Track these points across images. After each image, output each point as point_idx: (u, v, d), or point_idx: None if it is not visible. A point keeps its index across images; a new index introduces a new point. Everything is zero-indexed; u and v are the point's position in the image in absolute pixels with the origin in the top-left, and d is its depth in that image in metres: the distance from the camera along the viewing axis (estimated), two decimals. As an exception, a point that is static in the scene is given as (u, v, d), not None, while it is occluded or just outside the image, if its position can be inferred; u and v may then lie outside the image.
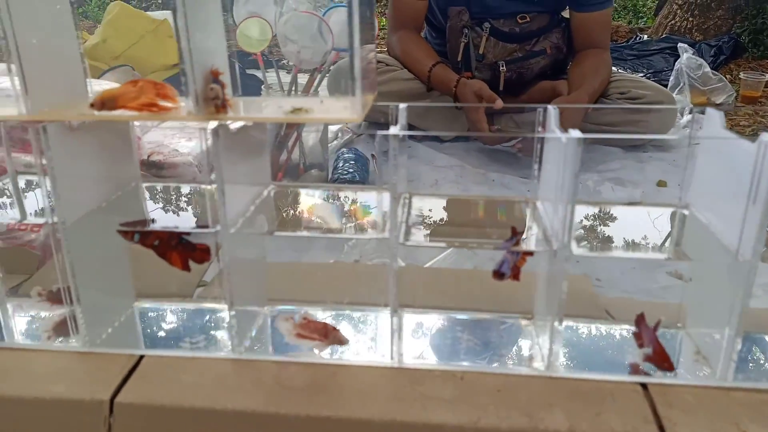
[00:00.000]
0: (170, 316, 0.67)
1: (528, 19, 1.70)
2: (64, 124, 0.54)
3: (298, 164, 1.41)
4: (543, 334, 0.57)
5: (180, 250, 0.59)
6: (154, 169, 1.21)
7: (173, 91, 0.56)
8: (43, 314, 0.66)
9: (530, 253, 0.55)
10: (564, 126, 1.55)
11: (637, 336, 0.58)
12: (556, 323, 0.52)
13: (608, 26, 1.79)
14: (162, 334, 0.63)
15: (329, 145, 1.53)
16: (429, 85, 1.72)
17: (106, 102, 0.55)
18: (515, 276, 0.53)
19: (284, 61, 1.88)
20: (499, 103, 1.52)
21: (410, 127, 1.86)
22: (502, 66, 1.72)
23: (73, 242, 0.55)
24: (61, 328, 0.64)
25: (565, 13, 1.78)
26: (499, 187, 1.47)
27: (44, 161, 0.53)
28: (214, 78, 0.53)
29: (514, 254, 0.53)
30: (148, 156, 1.20)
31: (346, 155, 1.50)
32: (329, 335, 0.56)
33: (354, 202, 0.66)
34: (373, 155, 1.58)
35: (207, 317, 0.66)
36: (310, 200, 0.66)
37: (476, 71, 1.74)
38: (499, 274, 0.52)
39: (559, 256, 0.50)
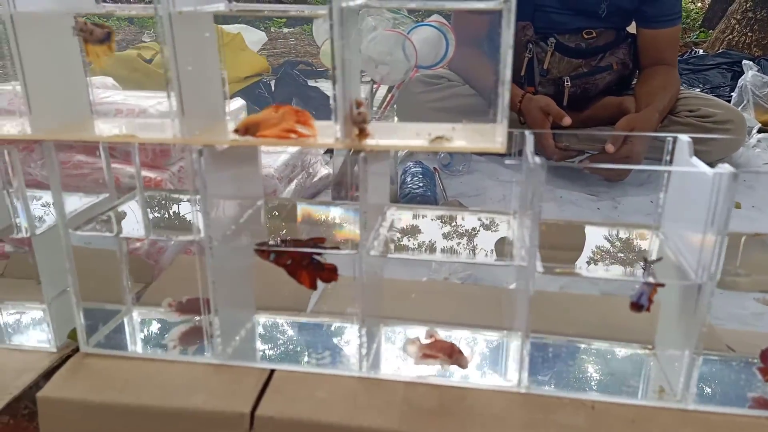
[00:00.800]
0: (289, 329, 0.69)
1: (594, 34, 1.70)
2: (213, 147, 0.57)
3: (370, 177, 1.43)
4: (670, 365, 0.58)
5: (310, 269, 0.61)
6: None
7: (311, 118, 0.58)
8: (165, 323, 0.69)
9: (661, 285, 0.55)
10: (635, 143, 1.53)
11: (763, 371, 0.58)
12: (692, 356, 0.53)
13: (676, 43, 1.77)
14: (287, 348, 0.65)
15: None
16: (491, 101, 1.72)
17: (249, 128, 0.57)
18: (648, 307, 0.54)
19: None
20: (567, 120, 1.52)
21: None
22: (567, 81, 1.72)
23: (216, 258, 0.58)
24: (187, 339, 0.67)
25: (631, 28, 1.77)
26: (567, 204, 1.47)
27: (197, 182, 0.55)
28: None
29: (649, 285, 0.54)
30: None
31: (413, 169, 1.51)
32: (453, 356, 0.57)
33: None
34: (435, 168, 1.59)
35: (326, 331, 0.68)
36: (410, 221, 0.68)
37: (539, 86, 1.74)
38: (637, 306, 0.53)
39: (705, 290, 0.50)
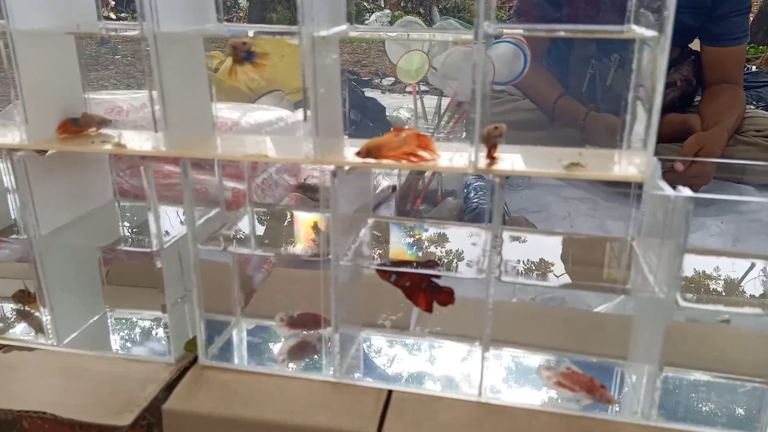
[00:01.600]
0: (399, 348, 0.69)
1: (659, 51, 1.67)
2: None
3: (436, 192, 1.43)
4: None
5: (428, 292, 0.61)
6: (310, 191, 1.25)
7: (432, 142, 0.58)
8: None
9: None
10: (705, 163, 1.50)
11: None
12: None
13: (742, 62, 1.74)
14: (401, 368, 0.65)
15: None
16: (553, 116, 1.72)
17: (371, 150, 0.57)
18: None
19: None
20: (636, 138, 1.50)
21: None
22: (631, 98, 1.70)
23: (340, 275, 0.58)
24: (295, 353, 0.68)
25: (694, 45, 1.75)
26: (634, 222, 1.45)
27: (330, 201, 0.56)
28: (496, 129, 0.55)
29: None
30: (305, 179, 1.25)
31: (476, 184, 1.50)
32: (595, 392, 0.57)
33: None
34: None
35: (437, 351, 0.68)
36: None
37: (601, 103, 1.72)
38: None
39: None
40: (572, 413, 0.57)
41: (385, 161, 0.56)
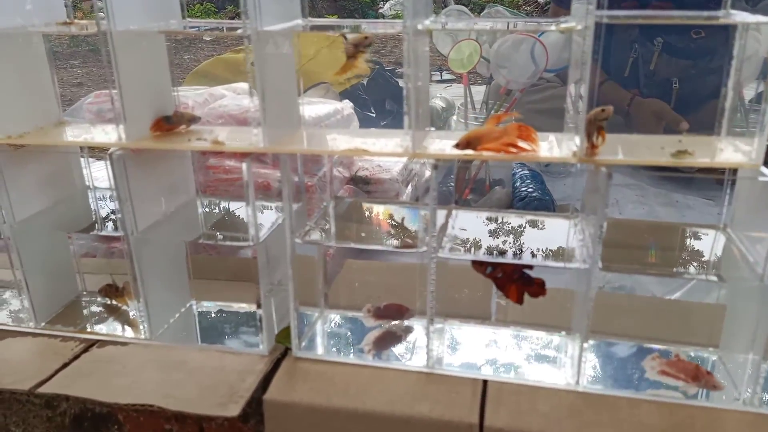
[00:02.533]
0: (489, 339, 0.69)
1: (702, 34, 1.65)
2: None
3: (485, 181, 1.43)
4: None
5: (519, 283, 0.62)
6: (361, 183, 1.25)
7: (535, 135, 0.58)
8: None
9: None
10: None
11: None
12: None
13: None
14: (493, 357, 0.66)
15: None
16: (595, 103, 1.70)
17: (471, 141, 0.57)
18: None
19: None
20: (685, 125, 1.49)
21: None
22: (675, 83, 1.68)
23: (434, 268, 0.59)
24: (380, 343, 0.68)
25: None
26: (685, 209, 1.44)
27: (427, 196, 0.57)
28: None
29: None
30: (356, 171, 1.25)
31: (521, 173, 1.50)
32: (701, 378, 0.57)
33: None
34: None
35: (527, 341, 0.68)
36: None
37: (644, 88, 1.70)
38: None
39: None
40: (674, 401, 0.58)
41: (485, 153, 0.56)
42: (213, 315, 0.74)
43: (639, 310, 0.77)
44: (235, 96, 1.13)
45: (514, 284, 0.62)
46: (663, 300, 0.84)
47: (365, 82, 2.13)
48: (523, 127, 0.57)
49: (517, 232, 0.69)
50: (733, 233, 0.63)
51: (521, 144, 0.57)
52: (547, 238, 0.69)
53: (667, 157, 0.54)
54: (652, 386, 0.60)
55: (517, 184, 1.46)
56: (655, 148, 0.56)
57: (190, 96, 1.01)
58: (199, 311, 0.74)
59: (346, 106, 1.26)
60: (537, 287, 0.62)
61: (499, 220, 0.72)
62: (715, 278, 0.62)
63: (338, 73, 0.61)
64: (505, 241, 0.66)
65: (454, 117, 1.36)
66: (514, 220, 0.71)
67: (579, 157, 0.55)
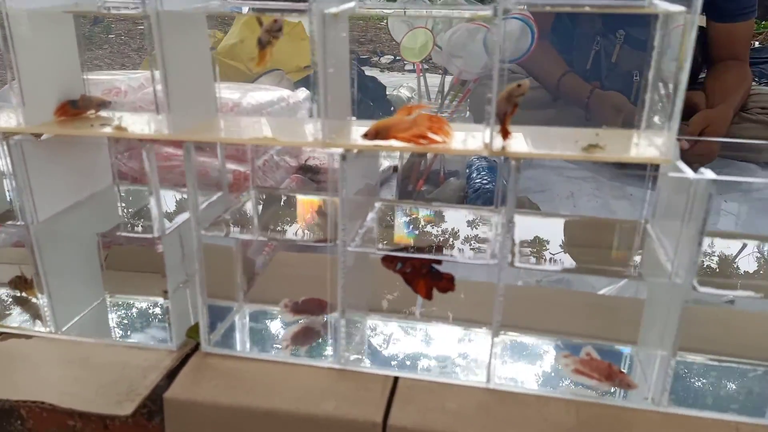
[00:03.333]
0: (406, 333, 0.68)
1: (665, 27, 1.64)
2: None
3: (439, 172, 1.42)
4: None
5: (428, 278, 0.60)
6: (310, 173, 1.23)
7: (448, 127, 0.56)
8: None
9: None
10: (710, 141, 1.47)
11: None
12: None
13: (749, 38, 1.72)
14: (407, 354, 0.64)
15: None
16: (557, 94, 1.69)
17: (380, 131, 0.55)
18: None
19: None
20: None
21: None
22: (636, 76, 1.67)
23: (348, 261, 0.57)
24: (298, 339, 0.66)
25: (700, 21, 1.71)
26: (639, 203, 1.43)
27: (338, 187, 0.55)
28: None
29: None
30: (306, 160, 1.23)
31: (478, 164, 1.48)
32: (614, 377, 0.56)
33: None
34: (494, 161, 1.56)
35: (444, 337, 0.67)
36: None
37: (605, 80, 1.70)
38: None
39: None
40: (583, 399, 0.57)
41: (394, 143, 0.54)
42: (126, 309, 0.72)
43: (563, 305, 0.76)
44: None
45: (423, 279, 0.60)
46: (588, 295, 0.83)
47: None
48: (434, 118, 0.55)
49: (440, 226, 0.67)
50: (652, 230, 0.62)
51: (432, 136, 0.55)
52: (471, 231, 0.67)
53: (578, 151, 0.52)
54: (564, 384, 0.59)
55: (473, 175, 1.45)
56: (569, 141, 0.54)
57: (125, 81, 0.97)
58: (112, 304, 0.72)
59: (296, 94, 1.23)
60: (446, 282, 0.60)
61: (426, 213, 0.71)
62: (635, 275, 0.62)
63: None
64: (431, 235, 0.64)
65: (408, 107, 1.33)
66: (438, 212, 0.70)
67: (489, 149, 0.53)
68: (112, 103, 0.65)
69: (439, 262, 0.60)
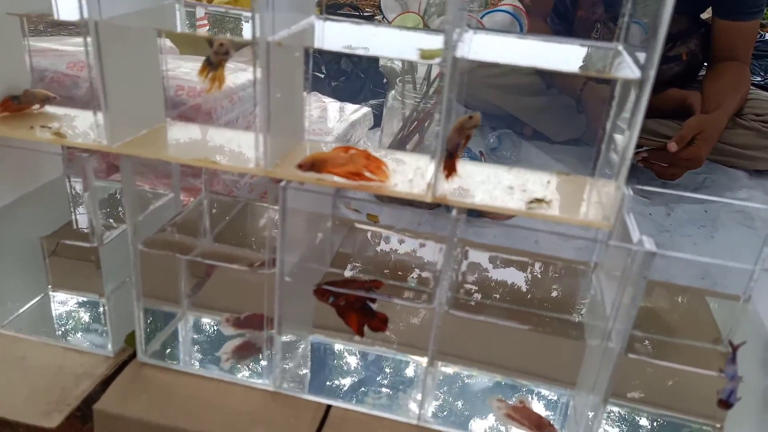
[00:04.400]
0: (346, 357, 0.67)
1: (667, 20, 1.59)
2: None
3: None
4: None
5: (360, 314, 0.59)
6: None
7: (384, 167, 0.53)
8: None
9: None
10: (701, 147, 1.44)
11: None
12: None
13: (753, 39, 1.66)
14: (344, 380, 0.64)
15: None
16: (550, 82, 1.65)
17: (315, 163, 0.53)
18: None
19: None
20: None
21: (520, 123, 1.78)
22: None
23: (287, 282, 0.56)
24: (240, 353, 0.66)
25: (705, 16, 1.66)
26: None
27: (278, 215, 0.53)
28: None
29: (737, 379, 0.51)
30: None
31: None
32: (543, 429, 0.56)
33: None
34: (481, 152, 1.54)
35: (384, 364, 0.66)
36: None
37: (601, 72, 1.65)
38: (727, 405, 0.50)
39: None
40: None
41: (330, 177, 0.52)
42: (68, 306, 0.71)
43: (507, 340, 0.75)
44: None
45: (355, 314, 0.59)
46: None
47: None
48: (371, 157, 0.53)
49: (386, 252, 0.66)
50: (596, 279, 0.61)
51: (367, 174, 0.53)
52: (417, 260, 0.66)
53: (520, 205, 0.50)
54: (494, 428, 0.59)
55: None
56: (517, 189, 0.53)
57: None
58: (55, 300, 0.71)
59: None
60: (378, 322, 0.59)
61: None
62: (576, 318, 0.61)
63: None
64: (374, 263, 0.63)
65: (392, 93, 1.30)
66: (388, 237, 0.68)
67: (432, 195, 0.51)
68: (57, 98, 0.62)
69: (373, 300, 0.59)
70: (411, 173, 0.54)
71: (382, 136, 1.35)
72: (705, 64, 1.66)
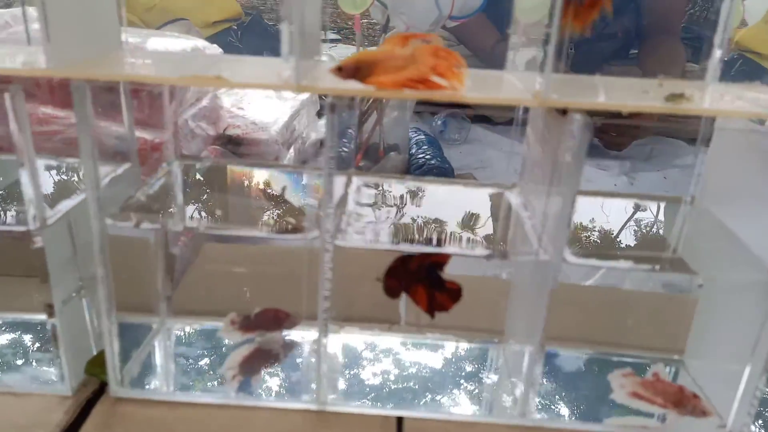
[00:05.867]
0: (396, 352, 0.51)
1: (600, -2, 1.58)
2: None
3: (378, 146, 1.25)
4: None
5: (427, 285, 0.44)
6: (231, 144, 1.02)
7: (457, 63, 0.39)
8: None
9: None
10: (645, 117, 1.42)
11: None
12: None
13: (684, 11, 1.70)
14: (406, 382, 0.47)
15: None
16: (489, 63, 1.59)
17: (361, 67, 0.37)
18: None
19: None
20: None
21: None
22: (571, 49, 1.59)
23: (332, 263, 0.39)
24: (251, 365, 0.48)
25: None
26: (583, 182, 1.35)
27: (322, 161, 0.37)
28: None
29: None
30: (225, 129, 1.02)
31: (417, 137, 1.35)
32: (687, 403, 0.42)
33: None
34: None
35: (449, 355, 0.51)
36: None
37: (542, 51, 1.61)
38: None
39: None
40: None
41: (380, 90, 0.36)
42: (8, 331, 0.49)
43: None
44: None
45: (421, 286, 0.43)
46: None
47: (238, 30, 1.86)
48: (441, 52, 0.38)
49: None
50: (513, 195, 0.50)
51: (436, 80, 0.37)
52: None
53: (660, 102, 0.37)
54: (618, 413, 0.45)
55: (413, 150, 1.30)
56: (638, 92, 0.40)
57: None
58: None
59: (212, 47, 1.01)
60: (446, 297, 0.44)
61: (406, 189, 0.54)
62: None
63: None
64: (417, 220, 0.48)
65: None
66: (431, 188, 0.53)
67: (540, 99, 0.37)
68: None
69: (444, 259, 0.44)
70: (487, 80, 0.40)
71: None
72: (637, 39, 1.67)
